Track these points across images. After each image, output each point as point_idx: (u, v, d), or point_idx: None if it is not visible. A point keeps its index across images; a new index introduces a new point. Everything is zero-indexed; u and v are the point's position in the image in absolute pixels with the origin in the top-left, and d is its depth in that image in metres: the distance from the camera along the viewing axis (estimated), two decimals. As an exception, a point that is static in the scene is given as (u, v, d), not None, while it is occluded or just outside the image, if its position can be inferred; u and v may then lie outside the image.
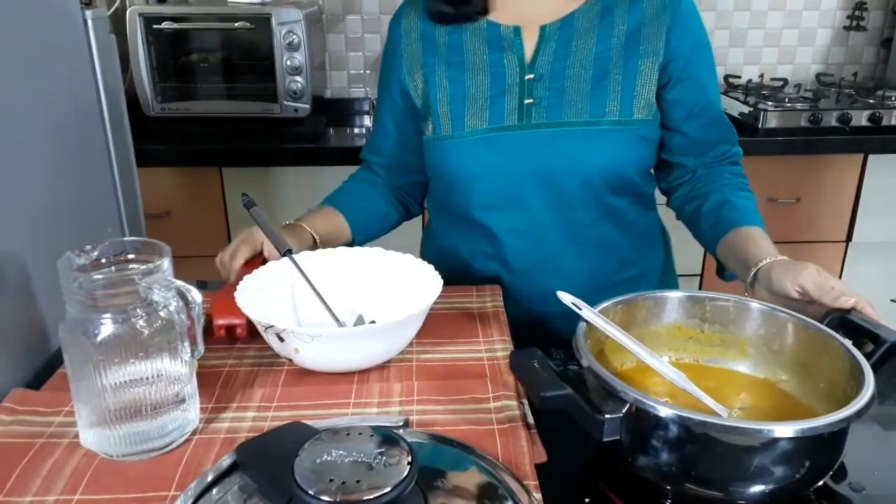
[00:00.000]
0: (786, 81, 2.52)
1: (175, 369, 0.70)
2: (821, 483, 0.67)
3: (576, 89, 1.06)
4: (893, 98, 2.25)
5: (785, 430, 0.61)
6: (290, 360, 0.83)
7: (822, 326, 0.77)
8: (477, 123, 1.08)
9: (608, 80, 1.06)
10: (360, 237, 1.19)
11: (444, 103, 1.10)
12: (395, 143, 1.22)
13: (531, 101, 1.07)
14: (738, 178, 1.13)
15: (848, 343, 0.73)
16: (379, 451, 0.53)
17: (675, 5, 1.07)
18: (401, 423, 0.71)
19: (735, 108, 2.29)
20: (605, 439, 0.65)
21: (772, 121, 2.16)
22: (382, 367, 0.85)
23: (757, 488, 0.63)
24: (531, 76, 1.07)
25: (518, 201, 1.08)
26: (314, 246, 1.08)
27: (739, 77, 2.58)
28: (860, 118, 2.17)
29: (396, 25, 1.17)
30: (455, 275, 1.11)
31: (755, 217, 1.06)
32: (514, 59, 1.08)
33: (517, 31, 1.09)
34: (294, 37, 2.13)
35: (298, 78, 2.16)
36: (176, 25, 2.15)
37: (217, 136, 2.18)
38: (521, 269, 1.13)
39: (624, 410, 0.65)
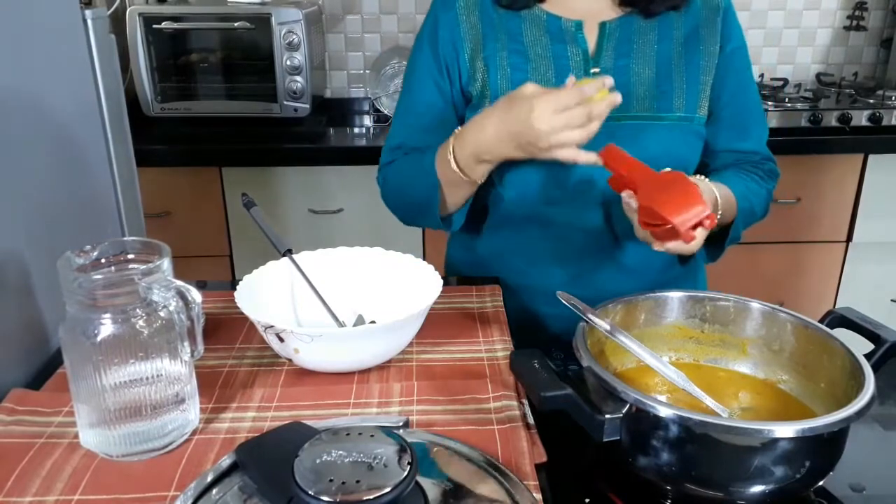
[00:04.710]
0: (786, 81, 2.52)
1: (175, 369, 0.70)
2: (821, 483, 0.67)
3: (641, 84, 1.07)
4: (894, 98, 2.25)
5: (785, 431, 0.61)
6: (290, 360, 0.83)
7: (823, 326, 0.77)
8: None
9: (672, 77, 1.07)
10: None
11: (505, 91, 1.07)
12: (430, 132, 1.12)
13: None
14: (755, 169, 1.13)
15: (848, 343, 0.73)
16: (379, 451, 0.53)
17: (726, 8, 1.10)
18: (401, 424, 0.71)
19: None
20: (606, 439, 0.65)
21: (772, 121, 2.15)
22: (382, 368, 0.85)
23: (757, 488, 0.63)
24: (596, 70, 1.07)
25: (581, 192, 1.06)
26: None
27: (740, 77, 2.58)
28: (860, 118, 2.16)
29: (450, 9, 1.11)
30: (503, 279, 1.10)
31: (733, 180, 1.06)
32: (579, 52, 1.08)
33: (579, 25, 1.09)
34: (294, 36, 2.13)
35: (298, 78, 2.16)
36: (176, 25, 2.15)
37: (217, 135, 2.18)
38: (582, 267, 1.10)
39: (624, 411, 0.65)
